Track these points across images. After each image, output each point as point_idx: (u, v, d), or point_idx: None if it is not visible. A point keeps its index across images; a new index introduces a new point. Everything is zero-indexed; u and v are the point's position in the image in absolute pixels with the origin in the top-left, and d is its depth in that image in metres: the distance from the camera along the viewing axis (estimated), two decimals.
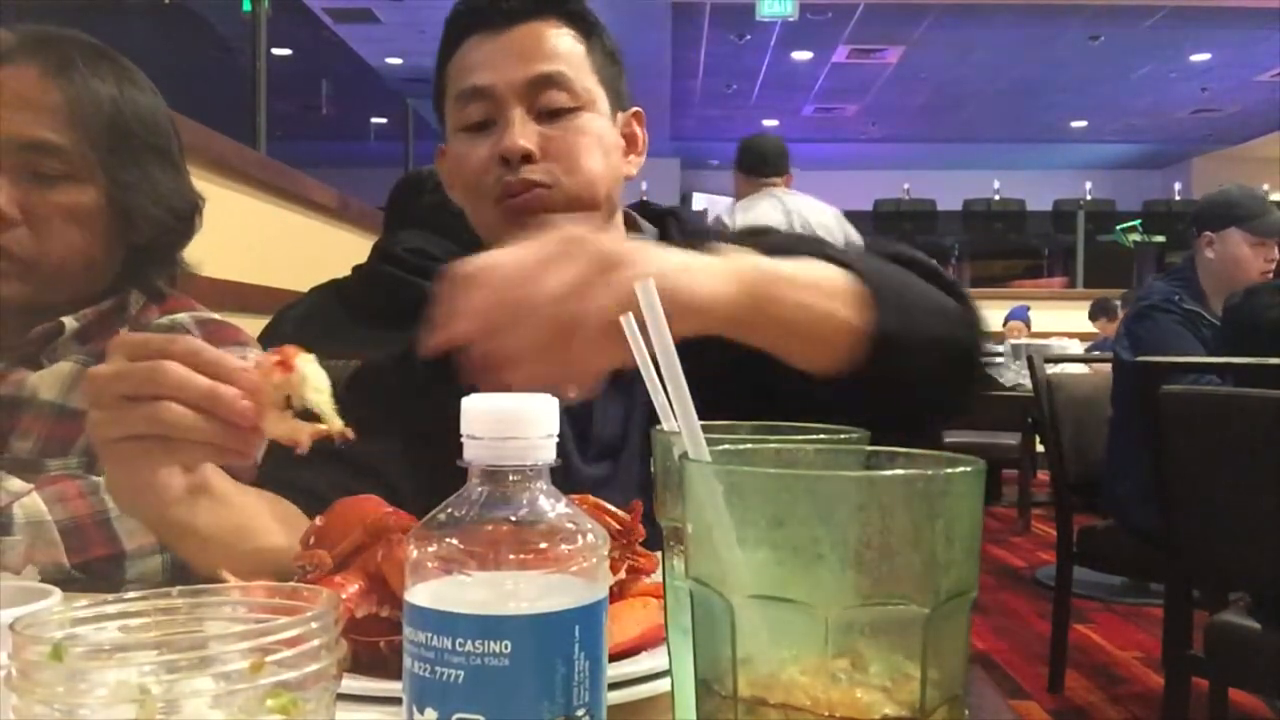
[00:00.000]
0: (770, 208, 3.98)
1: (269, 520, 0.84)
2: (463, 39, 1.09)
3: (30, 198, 1.14)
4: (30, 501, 1.03)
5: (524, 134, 1.03)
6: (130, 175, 1.19)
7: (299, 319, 1.77)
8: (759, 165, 4.13)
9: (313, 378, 0.63)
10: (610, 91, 1.11)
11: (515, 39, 1.06)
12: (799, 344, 0.80)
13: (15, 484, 1.05)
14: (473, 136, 1.07)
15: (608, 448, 1.05)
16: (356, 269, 2.03)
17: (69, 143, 1.15)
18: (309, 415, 0.64)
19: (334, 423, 0.63)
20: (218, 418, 0.63)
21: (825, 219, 4.00)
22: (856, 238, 4.09)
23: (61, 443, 1.13)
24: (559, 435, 1.08)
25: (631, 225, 1.19)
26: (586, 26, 1.10)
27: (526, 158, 1.03)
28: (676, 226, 1.18)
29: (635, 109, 1.17)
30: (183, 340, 0.65)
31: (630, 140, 1.16)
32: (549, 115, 1.05)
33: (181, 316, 1.23)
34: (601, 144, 1.08)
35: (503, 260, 0.69)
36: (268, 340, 1.80)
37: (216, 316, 1.27)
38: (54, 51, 1.17)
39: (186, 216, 1.27)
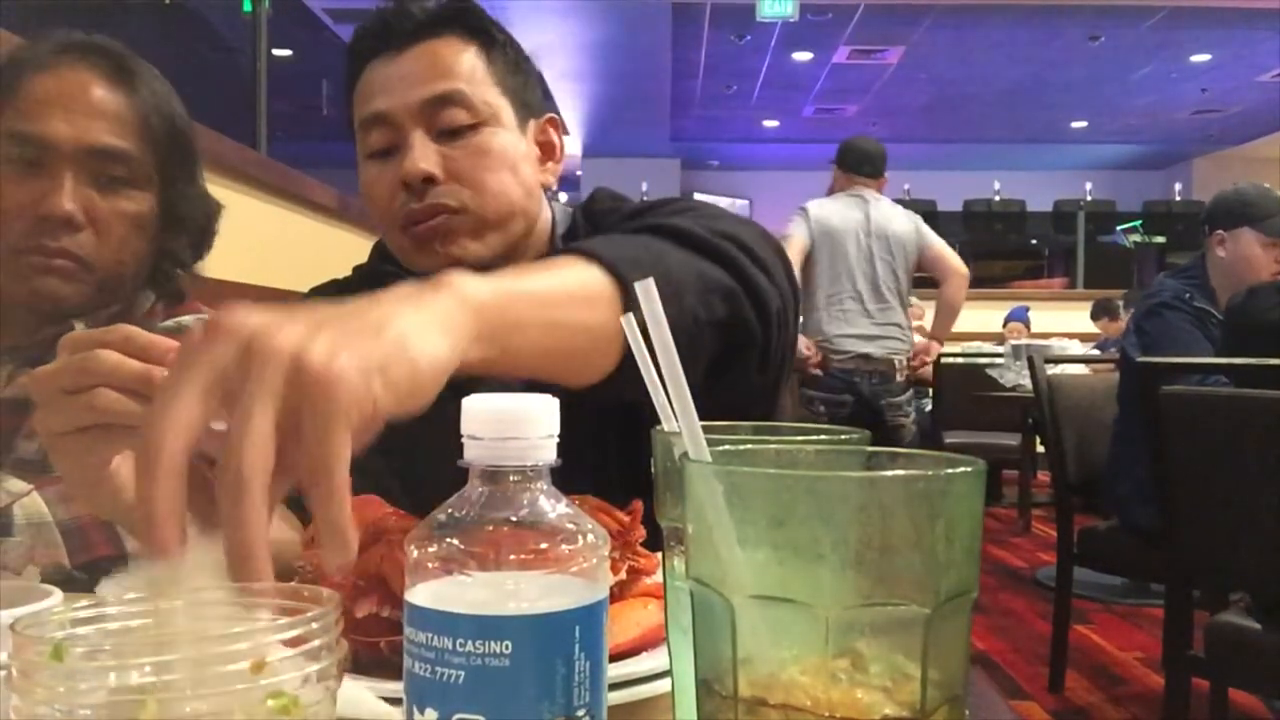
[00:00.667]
0: (850, 205, 4.07)
1: None
2: (365, 64, 1.08)
3: (95, 203, 1.15)
4: (31, 502, 1.04)
5: (424, 157, 1.02)
6: (183, 183, 1.23)
7: None
8: (858, 164, 4.19)
9: None
10: (516, 102, 1.10)
11: (410, 61, 1.05)
12: (556, 364, 0.75)
13: (16, 484, 1.05)
14: (378, 163, 1.07)
15: None
16: (357, 269, 2.03)
17: (135, 149, 1.18)
18: None
19: None
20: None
21: (902, 226, 4.10)
22: (937, 241, 4.20)
23: None
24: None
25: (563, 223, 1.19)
26: (487, 39, 1.09)
27: (429, 180, 1.03)
28: (583, 208, 1.18)
29: (550, 115, 1.15)
30: (119, 328, 0.65)
31: (546, 148, 1.15)
32: (449, 134, 1.04)
33: (186, 319, 1.24)
34: (506, 158, 1.06)
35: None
36: None
37: None
38: (109, 59, 1.19)
39: (211, 222, 1.30)
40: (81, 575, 1.04)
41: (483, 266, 1.06)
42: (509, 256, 1.09)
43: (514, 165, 1.07)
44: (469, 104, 1.05)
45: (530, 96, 1.12)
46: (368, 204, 1.10)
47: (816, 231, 3.97)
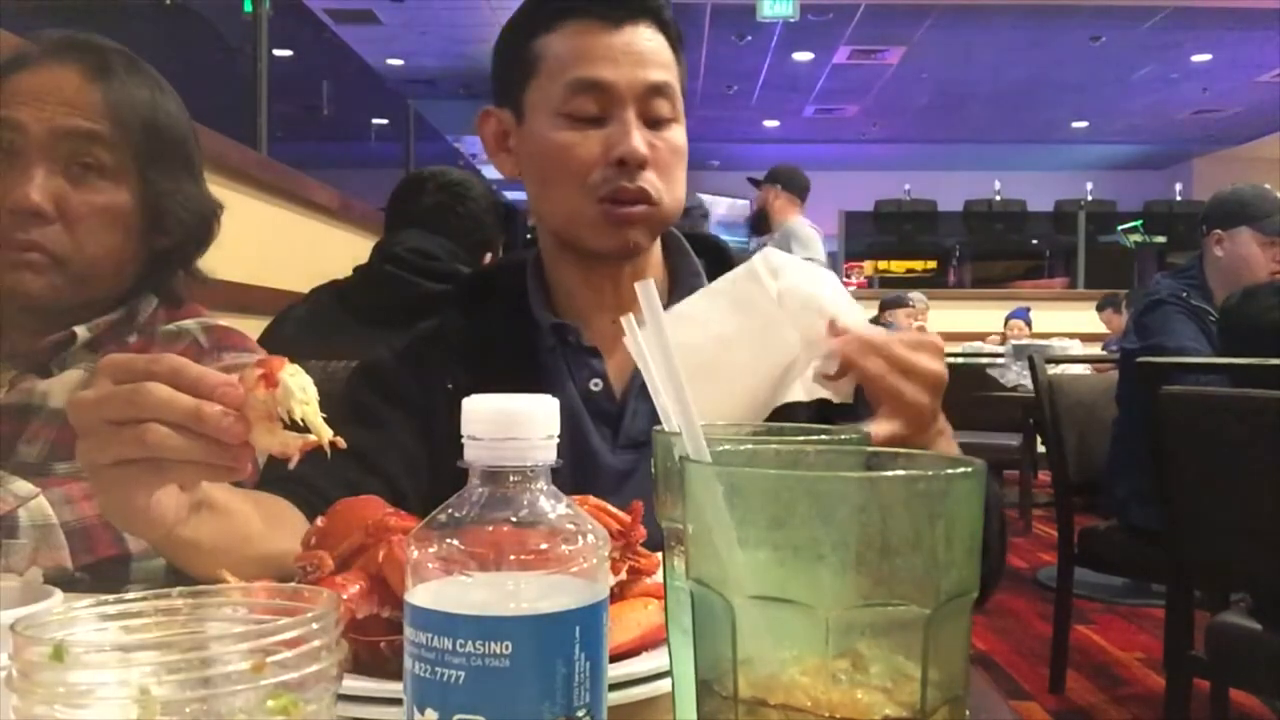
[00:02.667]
0: (816, 236, 4.58)
1: (270, 525, 0.84)
2: (563, 19, 1.07)
3: (67, 195, 1.13)
4: (37, 505, 1.04)
5: (642, 140, 1.04)
6: (161, 179, 1.20)
7: (301, 320, 1.77)
8: (804, 191, 4.67)
9: (298, 390, 0.62)
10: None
11: (631, 40, 1.05)
12: None
13: (23, 487, 1.05)
14: (578, 127, 1.05)
15: (635, 441, 1.08)
16: (358, 269, 2.03)
17: (106, 133, 1.15)
18: (299, 424, 0.63)
19: (323, 433, 0.63)
20: (205, 436, 0.62)
21: None
22: None
23: (69, 447, 1.12)
24: (589, 429, 1.08)
25: (676, 248, 1.19)
26: (676, 38, 1.10)
27: (642, 165, 1.04)
28: (719, 258, 1.18)
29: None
30: (166, 359, 0.64)
31: None
32: (653, 123, 1.06)
33: (188, 324, 1.23)
34: (685, 157, 1.10)
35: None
36: (270, 341, 1.81)
37: (223, 323, 1.27)
38: (93, 55, 1.17)
39: (207, 224, 1.28)
40: (84, 577, 1.04)
41: (639, 253, 1.10)
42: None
43: (685, 165, 1.11)
44: (673, 99, 1.07)
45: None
46: (551, 166, 1.07)
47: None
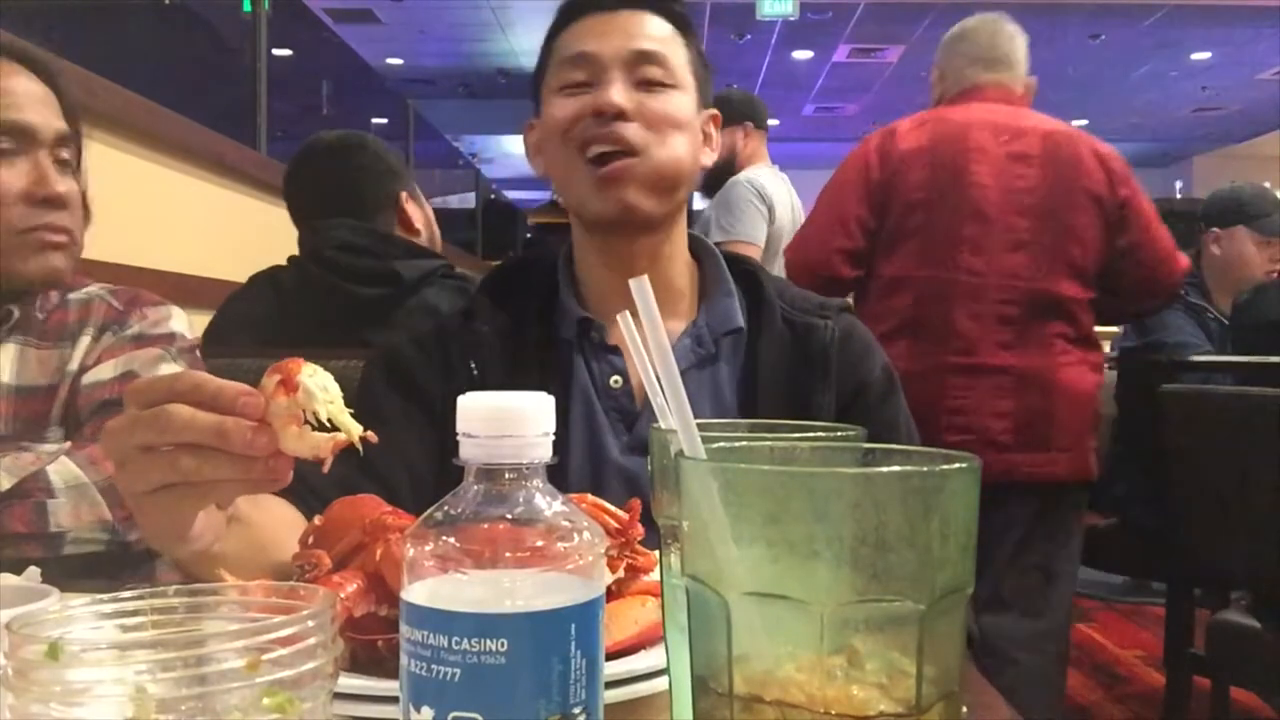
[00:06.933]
0: (780, 179, 3.33)
1: (283, 532, 0.84)
2: (571, 21, 1.15)
3: (66, 183, 1.25)
4: (63, 468, 1.13)
5: (622, 93, 1.08)
6: (80, 170, 1.32)
7: (240, 320, 1.79)
8: (765, 119, 3.42)
9: (319, 390, 0.61)
10: (699, 87, 1.16)
11: (622, 19, 1.13)
12: None
13: (47, 446, 1.15)
14: (570, 93, 1.11)
15: (645, 445, 1.08)
16: (292, 259, 2.03)
17: (72, 136, 1.28)
18: (326, 424, 0.63)
19: (352, 430, 0.62)
20: (232, 453, 0.62)
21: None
22: None
23: (30, 420, 1.21)
24: (602, 425, 1.08)
25: (710, 260, 1.19)
26: (685, 25, 1.16)
27: (620, 116, 1.08)
28: (759, 281, 1.17)
29: (713, 111, 1.22)
30: (186, 376, 0.64)
31: (705, 138, 1.21)
32: (645, 85, 1.10)
33: (93, 289, 1.32)
34: (686, 121, 1.12)
35: None
36: (212, 335, 1.85)
37: (125, 286, 1.37)
38: (38, 59, 1.28)
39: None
40: (122, 535, 1.13)
41: (647, 224, 1.10)
42: (668, 221, 1.14)
43: (692, 131, 1.14)
44: (668, 66, 1.11)
45: (706, 90, 1.19)
46: (544, 136, 1.15)
47: (771, 228, 3.17)
